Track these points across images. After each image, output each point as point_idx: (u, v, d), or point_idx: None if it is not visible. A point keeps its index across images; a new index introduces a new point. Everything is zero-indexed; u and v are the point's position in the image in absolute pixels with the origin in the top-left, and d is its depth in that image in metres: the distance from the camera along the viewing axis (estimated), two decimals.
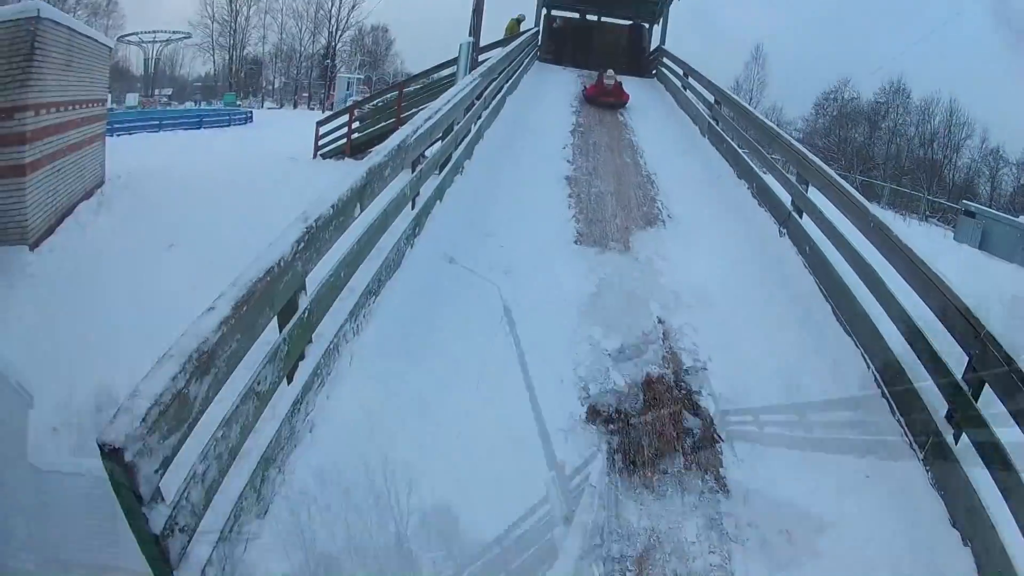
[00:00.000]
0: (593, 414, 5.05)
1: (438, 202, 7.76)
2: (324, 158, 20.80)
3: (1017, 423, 3.98)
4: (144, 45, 56.65)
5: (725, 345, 5.92)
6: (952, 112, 60.06)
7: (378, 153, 5.75)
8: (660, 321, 6.30)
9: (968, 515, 4.21)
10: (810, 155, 8.62)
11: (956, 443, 4.54)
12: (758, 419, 5.34)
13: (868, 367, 5.80)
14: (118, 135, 27.34)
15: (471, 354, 5.40)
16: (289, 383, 4.06)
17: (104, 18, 57.61)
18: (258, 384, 3.50)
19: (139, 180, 14.13)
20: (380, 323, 5.44)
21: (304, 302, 4.16)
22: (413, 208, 6.88)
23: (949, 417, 4.67)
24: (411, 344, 5.37)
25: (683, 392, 5.44)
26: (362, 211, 5.15)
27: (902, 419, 5.18)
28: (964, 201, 30.00)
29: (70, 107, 12.23)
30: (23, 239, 10.61)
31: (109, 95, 32.13)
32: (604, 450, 4.76)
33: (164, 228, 11.83)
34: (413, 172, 6.83)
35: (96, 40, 14.02)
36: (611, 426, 4.96)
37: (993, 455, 4.12)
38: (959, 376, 4.61)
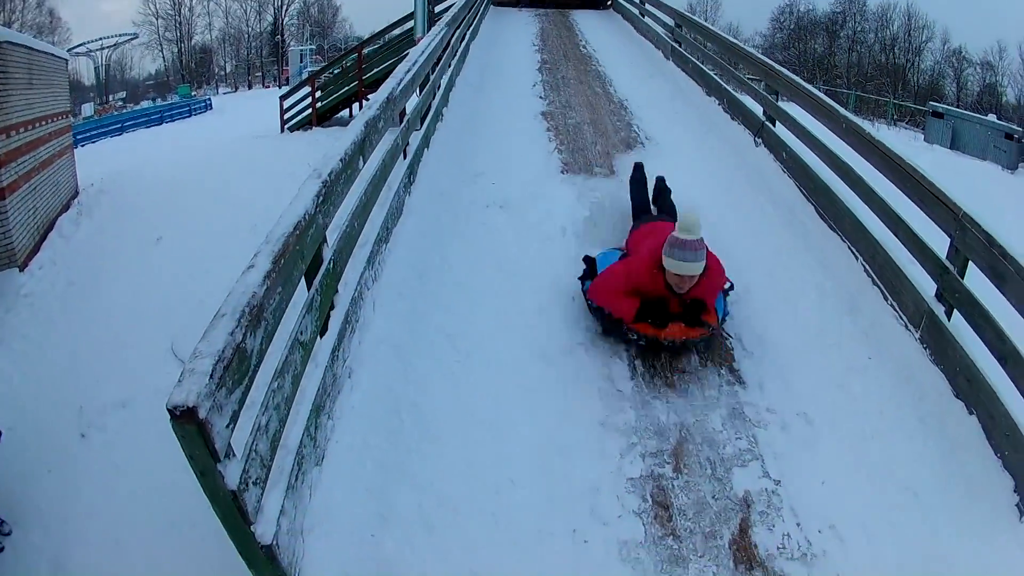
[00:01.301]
0: None
1: (426, 150, 7.94)
2: (291, 131, 20.83)
3: (1002, 292, 4.25)
4: (92, 54, 56.06)
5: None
6: (910, 16, 60.22)
7: (370, 107, 5.93)
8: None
9: (970, 385, 4.45)
10: (777, 66, 8.89)
11: (949, 319, 4.76)
12: (759, 315, 5.61)
13: (856, 259, 6.06)
14: (81, 145, 27.24)
15: (484, 287, 5.71)
16: (322, 335, 4.19)
17: (49, 35, 57.23)
18: (301, 334, 3.65)
19: (112, 184, 14.11)
20: (394, 268, 5.65)
21: (328, 253, 4.33)
22: (405, 158, 7.07)
23: (939, 296, 4.90)
24: (427, 284, 5.63)
25: None
26: (364, 163, 5.36)
27: (895, 304, 5.44)
28: (931, 103, 30.24)
29: (38, 124, 12.26)
30: (12, 262, 10.71)
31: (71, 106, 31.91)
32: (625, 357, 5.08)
33: (148, 224, 12.09)
34: (401, 123, 7.01)
35: (53, 54, 14.01)
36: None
37: (985, 326, 4.37)
38: (944, 257, 4.85)
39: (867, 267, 5.90)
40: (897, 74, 59.50)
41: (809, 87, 8.00)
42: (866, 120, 7.94)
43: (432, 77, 8.96)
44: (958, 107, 39.09)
